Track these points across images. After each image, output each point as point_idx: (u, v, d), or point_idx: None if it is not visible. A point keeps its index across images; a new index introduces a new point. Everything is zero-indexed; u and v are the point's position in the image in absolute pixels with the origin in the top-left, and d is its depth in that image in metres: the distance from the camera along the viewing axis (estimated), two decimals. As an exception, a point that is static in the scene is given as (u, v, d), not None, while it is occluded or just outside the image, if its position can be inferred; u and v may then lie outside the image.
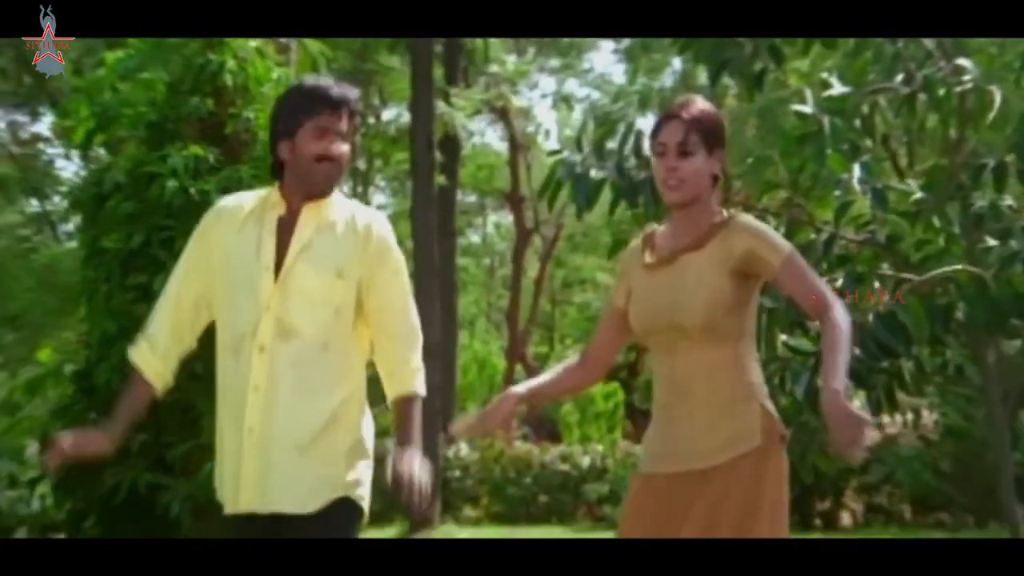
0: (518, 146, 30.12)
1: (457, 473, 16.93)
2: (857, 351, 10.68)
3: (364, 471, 3.92)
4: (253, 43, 10.04)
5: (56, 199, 22.99)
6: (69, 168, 24.25)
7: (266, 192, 3.96)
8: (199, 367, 8.99)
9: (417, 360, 3.96)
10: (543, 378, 4.17)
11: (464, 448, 17.76)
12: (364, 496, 3.91)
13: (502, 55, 26.73)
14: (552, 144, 33.44)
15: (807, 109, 11.67)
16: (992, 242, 11.80)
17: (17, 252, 11.53)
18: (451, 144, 17.79)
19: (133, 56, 9.99)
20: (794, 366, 11.04)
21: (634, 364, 22.48)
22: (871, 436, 3.37)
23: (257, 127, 9.84)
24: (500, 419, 3.98)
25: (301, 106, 3.84)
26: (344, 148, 3.88)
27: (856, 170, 11.76)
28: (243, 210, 3.92)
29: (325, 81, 3.96)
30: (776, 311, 10.73)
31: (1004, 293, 11.13)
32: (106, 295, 8.93)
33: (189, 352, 4.08)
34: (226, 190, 9.50)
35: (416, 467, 3.73)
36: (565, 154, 10.61)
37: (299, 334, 3.74)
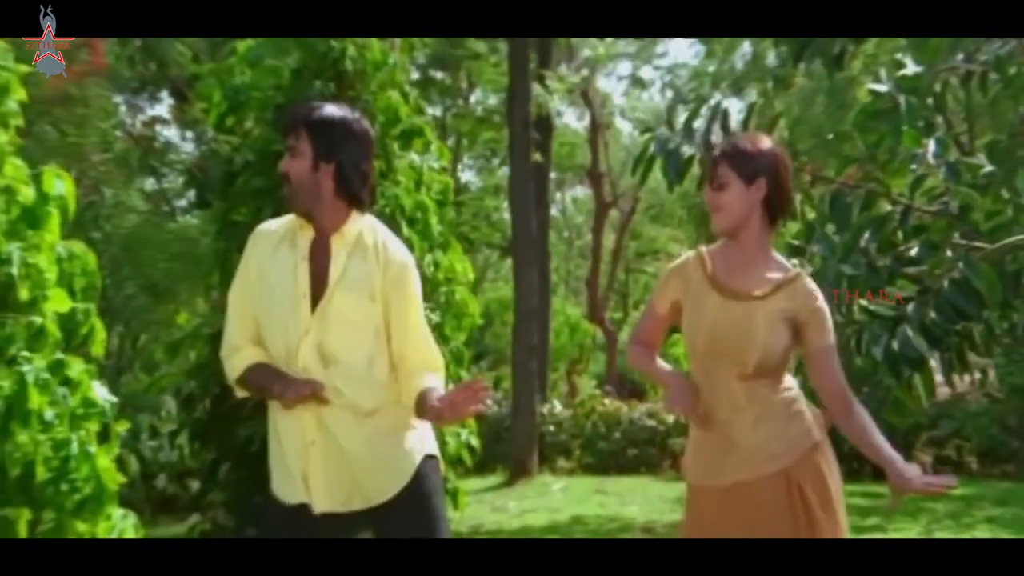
0: (598, 126, 30.16)
1: (551, 428, 16.97)
2: (933, 315, 10.69)
3: (423, 434, 3.95)
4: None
5: (171, 177, 23.28)
6: (183, 148, 24.52)
7: (293, 217, 3.94)
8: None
9: (430, 379, 3.92)
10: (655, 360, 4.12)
11: (558, 405, 17.84)
12: (430, 451, 3.95)
13: (593, 40, 26.68)
14: (625, 125, 33.38)
15: (882, 88, 11.63)
16: (1059, 212, 11.70)
17: (152, 225, 11.78)
18: (544, 124, 17.78)
19: (262, 44, 10.11)
20: (874, 329, 11.04)
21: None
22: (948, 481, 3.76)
23: (375, 109, 9.96)
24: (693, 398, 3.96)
25: (342, 131, 3.86)
26: (291, 164, 3.83)
27: (931, 145, 11.71)
28: (277, 234, 3.91)
29: (347, 109, 3.96)
30: (856, 277, 10.71)
31: (1071, 260, 11.05)
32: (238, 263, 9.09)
33: None
34: (348, 167, 9.68)
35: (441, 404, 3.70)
36: (658, 131, 10.65)
37: (340, 359, 3.74)
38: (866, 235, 11.12)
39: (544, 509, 12.01)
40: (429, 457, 3.92)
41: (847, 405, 3.82)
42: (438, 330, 9.92)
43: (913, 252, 11.40)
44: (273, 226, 3.96)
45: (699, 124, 11.55)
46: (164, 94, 25.23)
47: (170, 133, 25.37)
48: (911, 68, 11.89)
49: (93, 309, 5.55)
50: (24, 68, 5.36)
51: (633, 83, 34.26)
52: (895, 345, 10.54)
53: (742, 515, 3.74)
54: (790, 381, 3.88)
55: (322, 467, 3.74)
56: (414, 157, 10.22)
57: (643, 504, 12.25)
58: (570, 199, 42.37)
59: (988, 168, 12.36)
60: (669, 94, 32.92)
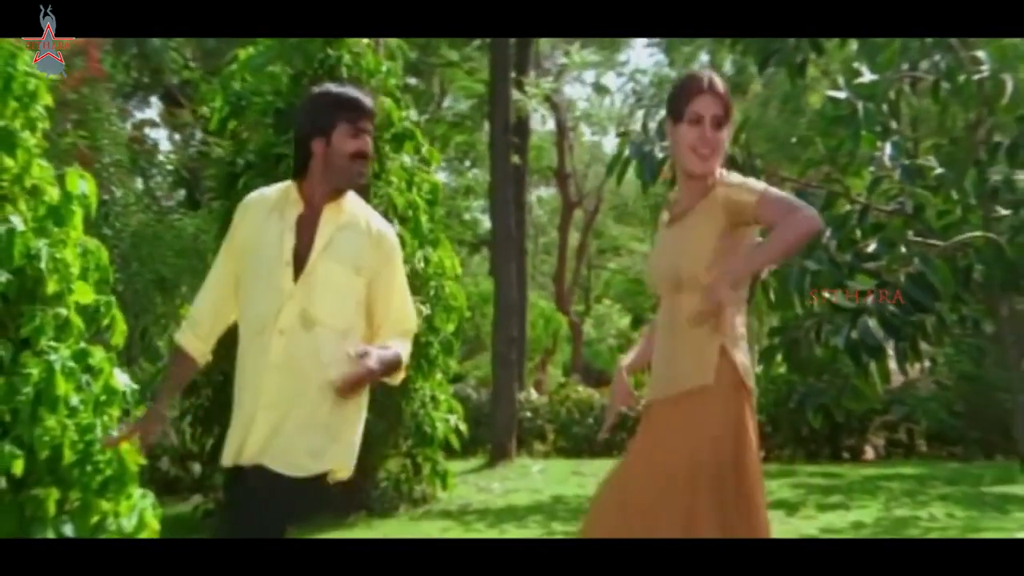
0: (564, 130, 30.24)
1: (528, 414, 17.01)
2: (891, 308, 10.79)
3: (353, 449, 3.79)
4: (365, 40, 10.19)
5: (158, 178, 23.21)
6: (170, 150, 24.45)
7: (284, 189, 3.81)
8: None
9: (404, 351, 3.80)
10: (640, 348, 3.92)
11: (534, 393, 17.89)
12: (347, 470, 3.77)
13: (568, 48, 26.75)
14: (586, 129, 33.46)
15: (840, 94, 11.72)
16: (1005, 212, 11.81)
17: (158, 222, 11.73)
18: (521, 128, 17.83)
19: (262, 53, 10.13)
20: (837, 320, 11.13)
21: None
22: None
23: (368, 113, 10.01)
24: (625, 394, 3.92)
25: (336, 109, 3.73)
26: (368, 145, 3.79)
27: (887, 148, 11.80)
28: (265, 206, 3.79)
29: (352, 89, 3.90)
30: (819, 272, 10.80)
31: (1018, 256, 11.17)
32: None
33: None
34: (344, 169, 9.71)
35: (371, 363, 3.51)
36: (633, 135, 10.72)
37: (322, 322, 3.62)
38: (827, 233, 11.18)
39: (526, 490, 12.05)
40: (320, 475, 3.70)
41: (787, 212, 3.31)
42: (428, 322, 9.98)
43: (871, 249, 11.50)
44: (264, 196, 3.85)
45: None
46: (154, 99, 25.17)
47: (157, 135, 25.31)
48: (867, 76, 11.98)
49: (113, 301, 5.57)
50: (53, 75, 5.38)
51: (597, 90, 34.26)
52: (855, 335, 10.64)
53: (647, 431, 3.52)
54: (739, 328, 3.52)
55: (268, 427, 3.58)
56: (405, 159, 10.26)
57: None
58: (535, 199, 42.46)
59: (939, 171, 12.47)
60: (630, 100, 33.01)
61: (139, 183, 21.74)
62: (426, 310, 9.89)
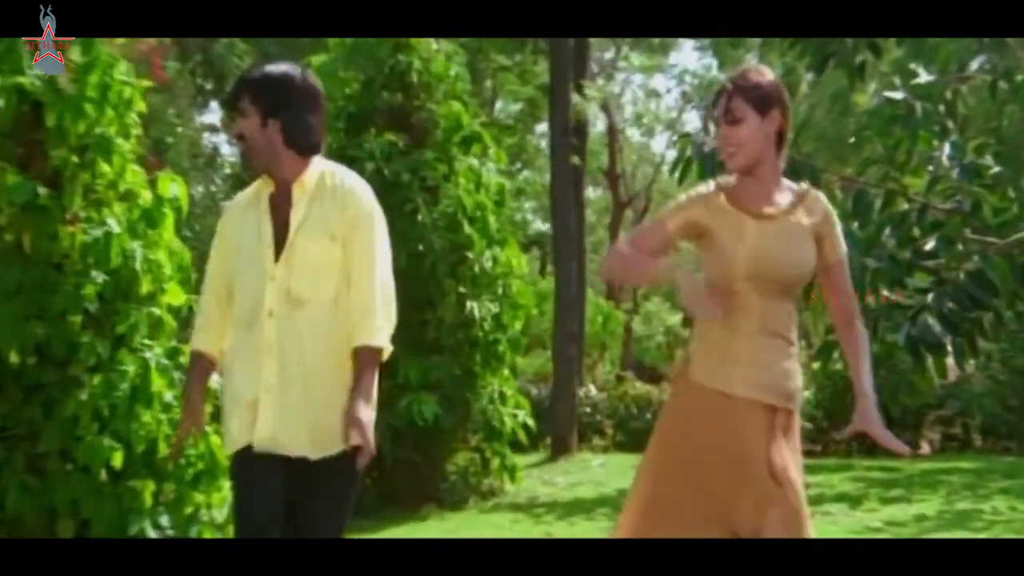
0: (615, 132, 30.21)
1: (588, 409, 16.98)
2: (950, 304, 10.70)
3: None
4: (435, 45, 10.24)
5: (218, 181, 23.38)
6: (228, 154, 24.68)
7: (260, 181, 3.77)
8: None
9: (380, 318, 3.60)
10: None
11: (592, 389, 17.86)
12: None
13: (621, 52, 26.78)
14: (633, 131, 33.44)
15: (897, 95, 11.63)
16: (1061, 209, 11.69)
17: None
18: (580, 130, 17.81)
19: (334, 59, 10.19)
20: (896, 317, 11.04)
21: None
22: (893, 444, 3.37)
23: (439, 116, 10.05)
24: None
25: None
26: (242, 125, 3.65)
27: (945, 148, 11.70)
28: (242, 202, 3.78)
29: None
30: (879, 270, 10.73)
31: (1075, 253, 11.05)
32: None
33: None
34: (414, 171, 9.79)
35: (362, 415, 3.45)
36: (694, 135, 10.70)
37: (308, 300, 3.56)
38: (887, 231, 11.12)
39: (590, 483, 12.03)
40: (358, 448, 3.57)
41: (851, 318, 3.49)
42: (496, 319, 10.01)
43: (929, 247, 11.40)
44: (239, 198, 3.83)
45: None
46: (214, 104, 25.41)
47: (217, 140, 25.54)
48: (924, 76, 11.90)
49: (205, 301, 5.61)
50: (147, 83, 5.44)
51: (648, 93, 34.22)
52: (915, 331, 10.56)
53: (727, 426, 3.42)
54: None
55: (273, 409, 3.52)
56: (473, 161, 10.29)
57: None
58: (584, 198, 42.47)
59: (996, 169, 12.35)
60: (680, 101, 32.99)
61: (199, 187, 22.01)
62: (494, 308, 9.93)
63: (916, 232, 11.40)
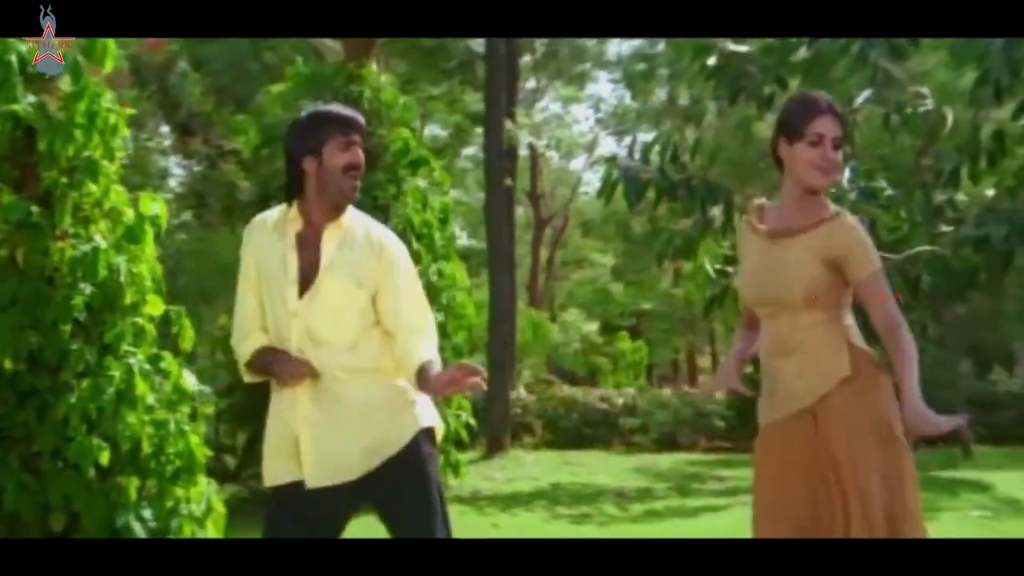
0: (536, 155, 30.53)
1: (519, 411, 17.10)
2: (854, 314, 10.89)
3: (420, 407, 3.58)
4: (384, 77, 10.29)
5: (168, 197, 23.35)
6: (176, 174, 24.66)
7: (283, 210, 3.60)
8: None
9: (427, 351, 3.51)
10: (744, 342, 3.71)
11: (523, 392, 17.98)
12: (426, 423, 3.57)
13: (556, 84, 27.07)
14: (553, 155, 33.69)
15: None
16: (948, 228, 11.99)
17: (199, 239, 11.83)
18: (510, 153, 17.94)
19: (292, 88, 10.21)
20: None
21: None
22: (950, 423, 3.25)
23: (388, 141, 10.11)
24: (729, 376, 3.69)
25: (325, 126, 3.52)
26: (363, 157, 3.59)
27: (846, 172, 11.96)
28: (267, 226, 3.61)
29: (339, 106, 3.69)
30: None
31: (961, 268, 11.33)
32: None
33: None
34: (366, 191, 9.81)
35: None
36: (620, 160, 10.85)
37: (328, 341, 3.46)
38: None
39: (525, 478, 12.14)
40: (425, 430, 3.56)
41: (892, 327, 3.31)
42: (441, 329, 10.06)
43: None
44: (265, 219, 3.65)
45: (655, 154, 11.78)
46: (164, 128, 25.35)
47: (167, 162, 25.47)
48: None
49: (184, 311, 5.63)
50: (130, 110, 5.46)
51: (564, 122, 34.48)
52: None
53: (779, 454, 3.41)
54: (849, 321, 3.45)
55: (313, 442, 3.41)
56: (420, 182, 10.36)
57: (608, 473, 12.39)
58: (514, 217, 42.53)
59: (889, 192, 12.65)
60: (595, 128, 33.33)
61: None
62: (440, 318, 9.99)
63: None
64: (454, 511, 9.56)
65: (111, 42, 5.27)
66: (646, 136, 30.15)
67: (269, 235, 3.56)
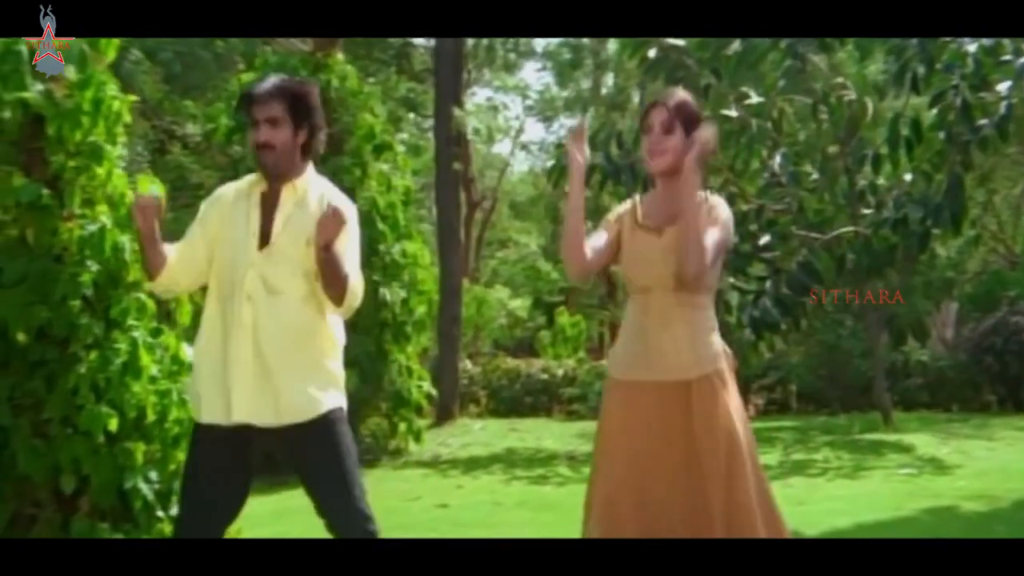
0: (466, 141, 30.57)
1: (465, 381, 17.22)
2: (784, 290, 11.19)
3: (337, 394, 3.70)
4: (349, 66, 10.31)
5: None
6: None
7: (253, 177, 3.75)
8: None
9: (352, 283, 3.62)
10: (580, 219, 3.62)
11: (469, 364, 18.08)
12: (342, 405, 3.71)
13: (502, 74, 27.14)
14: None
15: (732, 113, 12.10)
16: (868, 211, 12.33)
17: (180, 220, 11.88)
18: (459, 139, 18.03)
19: (261, 77, 10.18)
20: (741, 301, 11.53)
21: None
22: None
23: (353, 127, 10.14)
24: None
25: (242, 108, 3.69)
26: (272, 133, 3.59)
27: (777, 158, 12.20)
28: (231, 193, 3.77)
29: (255, 83, 3.76)
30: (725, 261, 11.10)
31: (881, 247, 11.65)
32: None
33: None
34: (333, 174, 9.84)
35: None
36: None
37: (282, 291, 3.57)
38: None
39: (478, 444, 12.28)
40: (336, 409, 3.67)
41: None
42: (404, 303, 10.17)
43: (763, 241, 11.90)
44: (226, 189, 3.81)
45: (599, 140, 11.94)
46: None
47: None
48: (755, 98, 12.37)
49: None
50: (133, 97, 5.48)
51: (491, 109, 34.42)
52: (757, 313, 11.03)
53: (652, 410, 3.50)
54: (711, 316, 3.62)
55: (249, 382, 3.53)
56: (383, 166, 10.41)
57: (554, 439, 12.53)
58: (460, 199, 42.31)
59: (815, 176, 12.95)
60: (522, 115, 33.39)
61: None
62: (403, 293, 10.08)
63: (754, 228, 11.91)
64: (417, 475, 9.75)
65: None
66: (570, 122, 30.53)
67: (237, 196, 3.70)
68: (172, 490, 5.28)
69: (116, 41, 5.30)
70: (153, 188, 5.68)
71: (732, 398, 3.51)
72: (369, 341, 9.86)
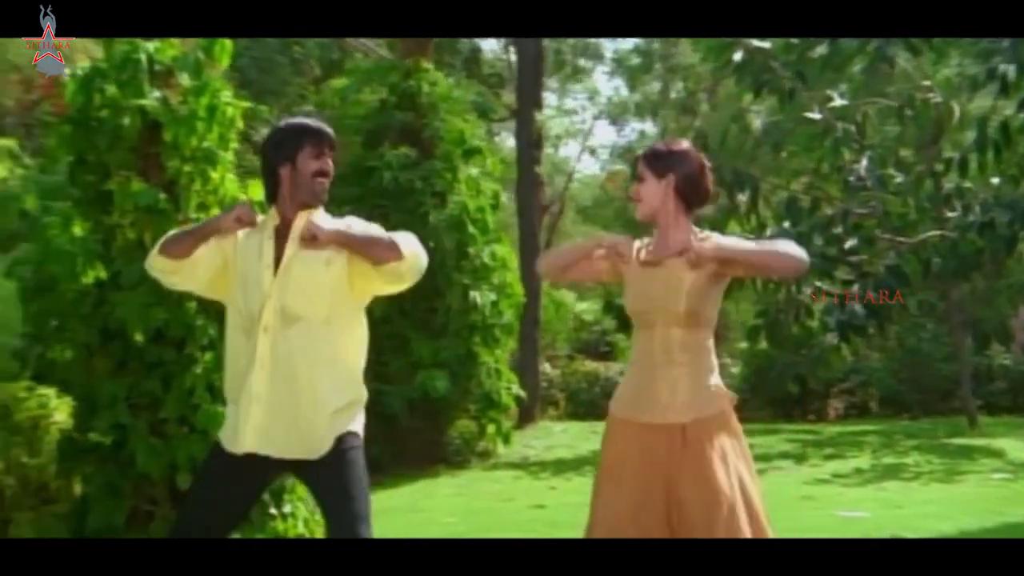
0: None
1: (544, 384, 17.16)
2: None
3: (352, 419, 3.62)
4: (439, 72, 10.35)
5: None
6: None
7: (268, 214, 3.70)
8: (407, 305, 9.39)
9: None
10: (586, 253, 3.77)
11: (548, 367, 18.01)
12: (358, 434, 3.62)
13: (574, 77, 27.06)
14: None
15: (816, 116, 11.93)
16: (953, 214, 12.08)
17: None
18: (539, 143, 17.99)
19: (353, 83, 10.27)
20: (828, 304, 11.35)
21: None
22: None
23: (444, 132, 10.17)
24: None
25: (299, 137, 3.64)
26: (331, 166, 3.69)
27: (864, 161, 12.01)
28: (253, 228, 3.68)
29: (312, 120, 3.82)
30: (811, 264, 10.97)
31: (967, 251, 11.40)
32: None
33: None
34: (424, 179, 9.92)
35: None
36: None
37: (301, 316, 3.50)
38: (815, 231, 11.38)
39: (562, 446, 12.21)
40: (352, 432, 3.60)
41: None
42: (494, 306, 10.17)
43: (848, 244, 11.72)
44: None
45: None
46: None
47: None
48: (839, 101, 12.19)
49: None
50: (246, 103, 5.53)
51: (565, 113, 34.29)
52: (844, 316, 10.86)
53: (639, 456, 3.47)
54: (712, 356, 3.63)
55: (258, 416, 3.49)
56: (473, 171, 10.43)
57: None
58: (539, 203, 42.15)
59: (899, 179, 12.72)
60: (590, 120, 33.19)
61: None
62: (492, 296, 10.08)
63: (839, 231, 11.73)
64: (508, 476, 9.70)
65: (229, 42, 5.34)
66: (641, 126, 30.24)
67: (251, 233, 3.64)
68: (284, 487, 5.31)
69: (229, 48, 5.34)
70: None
71: (732, 439, 3.51)
72: (459, 344, 9.87)
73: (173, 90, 5.33)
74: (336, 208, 9.33)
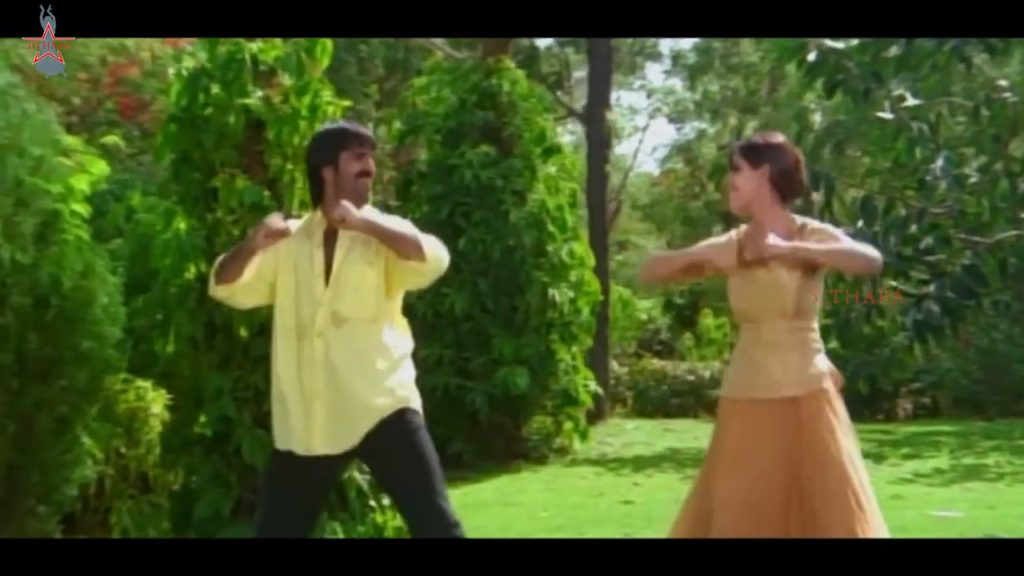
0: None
1: (612, 382, 17.12)
2: (950, 293, 10.82)
3: (406, 396, 3.71)
4: (519, 71, 10.35)
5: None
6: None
7: (310, 216, 3.86)
8: (489, 303, 9.40)
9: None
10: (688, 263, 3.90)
11: (615, 364, 17.97)
12: (418, 411, 3.73)
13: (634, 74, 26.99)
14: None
15: (888, 116, 11.75)
16: (1030, 214, 11.81)
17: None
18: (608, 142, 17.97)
19: (435, 82, 10.31)
20: (903, 305, 11.19)
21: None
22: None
23: (523, 131, 10.18)
24: None
25: (341, 140, 3.75)
26: (373, 166, 3.80)
27: (939, 160, 11.82)
28: (298, 231, 3.80)
29: (350, 123, 3.93)
30: (886, 264, 10.88)
31: (1043, 251, 11.17)
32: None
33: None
34: (505, 177, 9.92)
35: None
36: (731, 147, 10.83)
37: (349, 317, 3.62)
38: (891, 230, 11.23)
39: (638, 443, 12.18)
40: (411, 408, 3.70)
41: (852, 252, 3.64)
42: (572, 303, 10.15)
43: (923, 244, 11.52)
44: (292, 225, 3.84)
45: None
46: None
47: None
48: (911, 100, 12.00)
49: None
50: (348, 102, 5.56)
51: (627, 110, 34.12)
52: (920, 317, 10.70)
53: (766, 428, 3.61)
54: (818, 338, 3.72)
55: (325, 412, 3.60)
56: (552, 169, 10.42)
57: (707, 438, 12.35)
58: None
59: (974, 179, 12.49)
60: (647, 117, 32.93)
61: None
62: (570, 294, 10.07)
63: (915, 231, 11.55)
64: (590, 472, 9.68)
65: (329, 42, 5.37)
66: (700, 125, 29.95)
67: (300, 238, 3.75)
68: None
69: (330, 48, 5.38)
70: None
71: (839, 415, 3.64)
72: (538, 341, 9.88)
73: (275, 89, 5.39)
74: (418, 207, 9.44)
